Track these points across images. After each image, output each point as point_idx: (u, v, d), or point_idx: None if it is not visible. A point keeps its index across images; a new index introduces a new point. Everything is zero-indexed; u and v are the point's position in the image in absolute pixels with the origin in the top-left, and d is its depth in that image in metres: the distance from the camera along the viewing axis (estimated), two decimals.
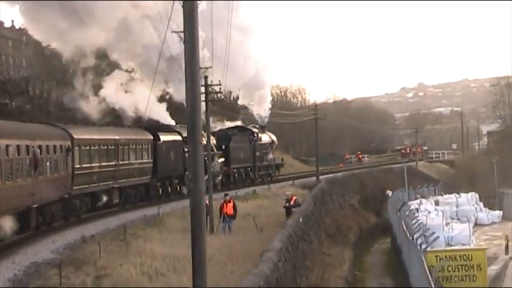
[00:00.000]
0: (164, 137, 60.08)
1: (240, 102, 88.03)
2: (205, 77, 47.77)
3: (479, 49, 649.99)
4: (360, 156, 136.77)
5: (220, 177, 69.20)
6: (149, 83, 65.34)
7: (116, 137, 53.06)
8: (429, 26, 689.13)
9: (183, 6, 18.11)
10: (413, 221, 41.63)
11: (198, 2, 18.32)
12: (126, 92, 64.76)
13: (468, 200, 67.25)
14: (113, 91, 63.36)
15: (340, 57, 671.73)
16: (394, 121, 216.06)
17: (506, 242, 48.21)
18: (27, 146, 37.96)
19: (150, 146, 57.74)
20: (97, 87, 62.81)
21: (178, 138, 61.86)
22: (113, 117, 62.90)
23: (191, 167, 19.27)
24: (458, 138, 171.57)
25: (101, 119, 59.23)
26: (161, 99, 68.36)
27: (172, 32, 26.23)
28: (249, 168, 75.43)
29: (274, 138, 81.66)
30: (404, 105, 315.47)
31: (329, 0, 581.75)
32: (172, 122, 67.42)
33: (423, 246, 32.92)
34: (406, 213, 48.35)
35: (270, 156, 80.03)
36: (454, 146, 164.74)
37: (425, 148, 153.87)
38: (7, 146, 35.15)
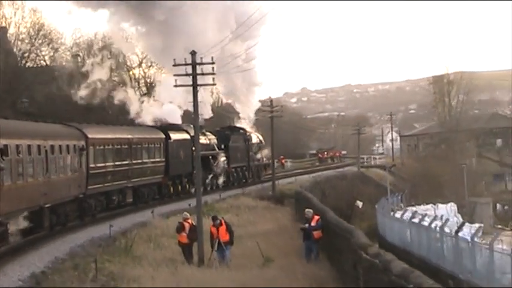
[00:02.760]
0: (174, 136, 50.71)
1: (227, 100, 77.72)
2: (193, 53, 30.94)
3: (363, 55, 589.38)
4: (283, 161, 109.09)
5: (222, 177, 59.79)
6: None
7: (129, 136, 43.84)
8: (311, 31, 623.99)
9: None
10: None
11: None
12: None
13: (448, 212, 52.36)
14: None
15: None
16: (309, 124, 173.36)
17: None
18: (38, 146, 30.71)
19: (162, 145, 48.45)
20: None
21: (187, 136, 52.44)
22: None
23: None
24: (363, 142, 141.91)
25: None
26: None
27: None
28: (244, 168, 66.56)
29: (261, 138, 71.68)
30: (288, 109, 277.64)
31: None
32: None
33: None
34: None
35: (259, 155, 70.50)
36: (381, 150, 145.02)
37: (344, 152, 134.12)
38: (17, 145, 28.54)
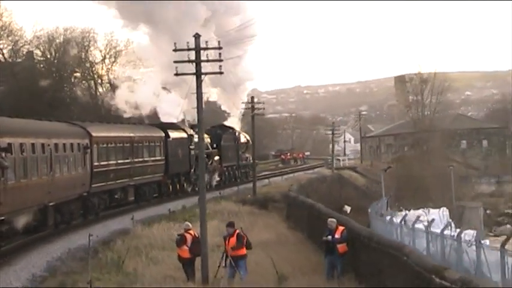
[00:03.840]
0: (173, 134, 47.44)
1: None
2: (197, 36, 24.35)
3: (313, 56, 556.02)
4: None
5: (216, 177, 56.30)
6: None
7: (131, 135, 40.71)
8: (260, 31, 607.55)
9: None
10: None
11: None
12: None
13: (440, 218, 45.68)
14: None
15: None
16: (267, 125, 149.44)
17: None
18: (42, 145, 28.58)
19: (162, 143, 45.26)
20: None
21: (184, 135, 49.41)
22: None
23: None
24: (322, 143, 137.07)
25: None
26: None
27: None
28: (235, 167, 63.03)
29: (248, 138, 66.97)
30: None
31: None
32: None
33: None
34: None
35: (246, 155, 66.66)
36: (348, 152, 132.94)
37: (307, 154, 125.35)
38: (21, 144, 26.52)
